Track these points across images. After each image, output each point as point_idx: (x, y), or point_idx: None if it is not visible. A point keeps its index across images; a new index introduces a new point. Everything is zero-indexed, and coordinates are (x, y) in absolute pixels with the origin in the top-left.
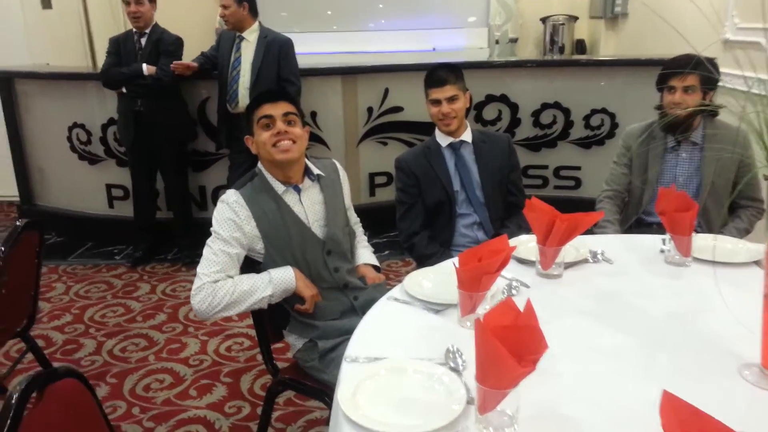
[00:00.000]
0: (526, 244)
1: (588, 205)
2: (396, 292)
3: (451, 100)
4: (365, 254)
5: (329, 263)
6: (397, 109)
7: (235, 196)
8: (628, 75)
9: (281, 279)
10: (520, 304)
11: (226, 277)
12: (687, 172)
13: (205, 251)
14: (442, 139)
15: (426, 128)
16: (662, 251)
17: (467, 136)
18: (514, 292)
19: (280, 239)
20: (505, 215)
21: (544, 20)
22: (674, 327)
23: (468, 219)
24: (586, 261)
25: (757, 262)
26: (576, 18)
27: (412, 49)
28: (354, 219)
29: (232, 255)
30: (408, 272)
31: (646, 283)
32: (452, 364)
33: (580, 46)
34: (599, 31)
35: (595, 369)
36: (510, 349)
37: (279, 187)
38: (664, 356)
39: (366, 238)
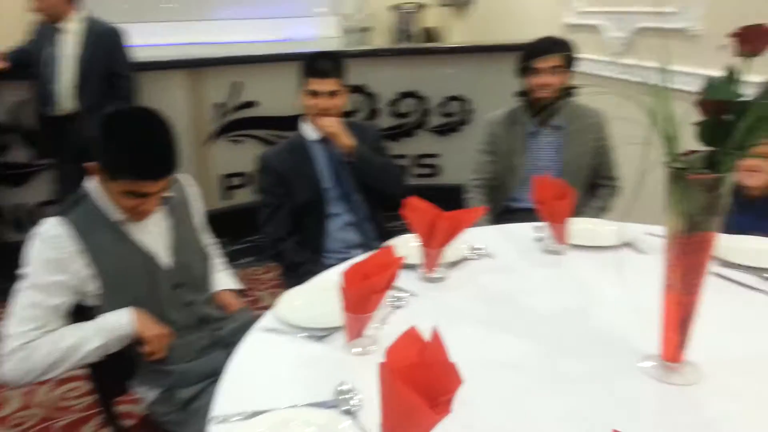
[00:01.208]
0: (404, 246)
1: (449, 191)
2: (268, 320)
3: (333, 94)
4: (223, 279)
5: (180, 298)
6: (252, 104)
7: (58, 227)
8: (480, 61)
9: (114, 325)
10: (408, 315)
11: (44, 333)
12: (550, 155)
13: (15, 304)
14: (311, 133)
15: (285, 123)
16: (538, 240)
17: None
18: (400, 304)
19: (120, 277)
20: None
21: (394, 9)
22: (569, 325)
23: (340, 219)
24: (467, 258)
25: (627, 244)
26: (425, 6)
27: (262, 39)
28: (208, 240)
29: (52, 306)
30: (271, 279)
31: (531, 278)
32: (345, 407)
33: (429, 34)
34: (448, 19)
35: (501, 386)
36: (420, 391)
37: (116, 214)
38: (567, 362)
39: (223, 260)
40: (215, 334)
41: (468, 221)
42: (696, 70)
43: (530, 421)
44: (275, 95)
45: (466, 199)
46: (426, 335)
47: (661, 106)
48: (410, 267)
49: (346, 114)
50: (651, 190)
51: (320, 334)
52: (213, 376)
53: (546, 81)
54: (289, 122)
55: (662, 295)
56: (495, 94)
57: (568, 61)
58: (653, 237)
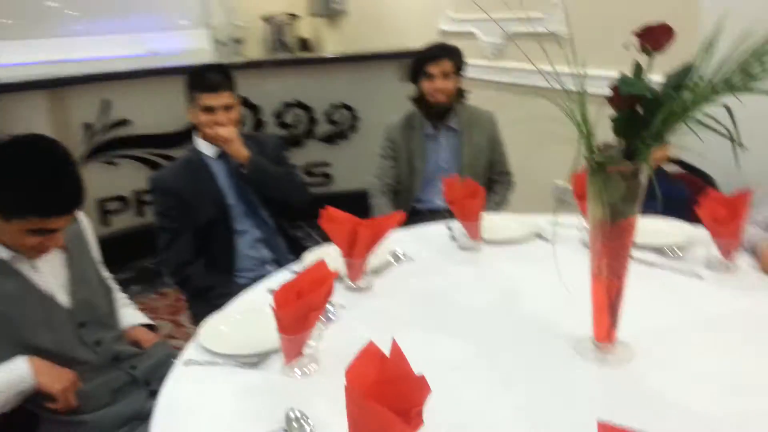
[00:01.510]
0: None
1: (343, 198)
2: (191, 352)
3: (228, 109)
4: (131, 314)
5: (86, 337)
6: (125, 123)
7: None
8: (361, 69)
9: (8, 379)
10: (342, 328)
11: None
12: (448, 157)
13: None
14: (208, 149)
15: (164, 141)
16: (452, 238)
17: None
18: (332, 317)
19: (13, 322)
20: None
21: (266, 19)
22: (501, 319)
23: (249, 236)
24: (389, 264)
25: (537, 235)
26: (297, 16)
27: (126, 54)
28: (106, 274)
29: None
30: (167, 306)
31: (454, 277)
32: None
33: (305, 44)
34: (321, 29)
35: (449, 389)
36: (390, 407)
37: (4, 253)
38: (506, 356)
39: (124, 295)
40: (131, 373)
41: (388, 227)
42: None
43: (485, 419)
44: (150, 112)
45: (371, 204)
46: (379, 348)
47: (579, 107)
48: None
49: None
50: (540, 182)
51: (254, 360)
52: (134, 420)
53: (440, 86)
54: (169, 140)
55: (591, 281)
56: (379, 101)
57: (458, 66)
58: (558, 227)
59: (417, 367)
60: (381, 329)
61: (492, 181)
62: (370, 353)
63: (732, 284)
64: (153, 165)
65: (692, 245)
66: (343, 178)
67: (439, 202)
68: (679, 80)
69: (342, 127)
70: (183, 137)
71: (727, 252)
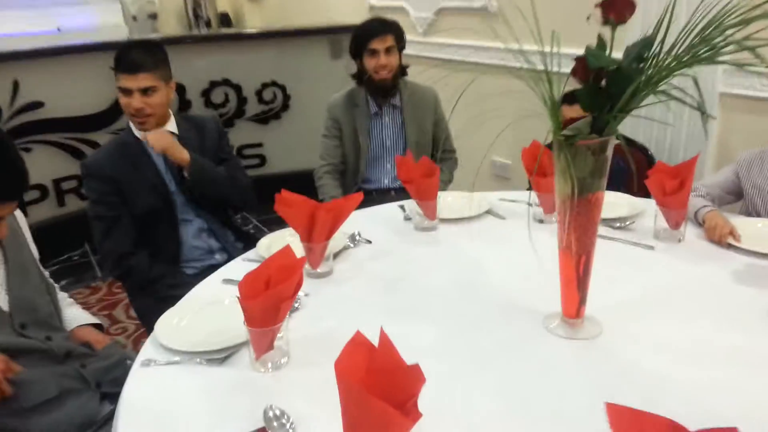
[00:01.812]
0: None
1: (277, 181)
2: (149, 350)
3: (146, 92)
4: (75, 314)
5: (35, 336)
6: (36, 105)
7: None
8: (290, 46)
9: None
10: (308, 317)
11: None
12: (393, 135)
13: None
14: (142, 133)
15: (82, 124)
16: (407, 218)
17: (171, 126)
18: (296, 306)
19: None
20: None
21: None
22: (468, 299)
23: (194, 225)
24: (347, 247)
25: (488, 212)
26: None
27: (32, 31)
28: (45, 272)
29: None
30: (99, 300)
31: (415, 258)
32: None
33: (225, 19)
34: (241, 3)
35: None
36: (386, 400)
37: None
38: (477, 336)
39: (65, 294)
40: (80, 372)
41: (348, 210)
42: (499, 44)
43: (461, 402)
44: (63, 94)
45: (317, 186)
46: (366, 338)
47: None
48: None
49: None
50: (476, 159)
51: (221, 356)
52: (88, 427)
53: (384, 62)
54: (87, 122)
55: (559, 256)
56: (310, 78)
57: (400, 41)
58: (506, 202)
59: None
60: (348, 316)
61: (437, 160)
62: (357, 344)
63: (682, 254)
64: (72, 150)
65: (639, 217)
66: (277, 159)
67: (386, 181)
68: (640, 52)
69: (273, 106)
70: (103, 119)
71: (675, 222)
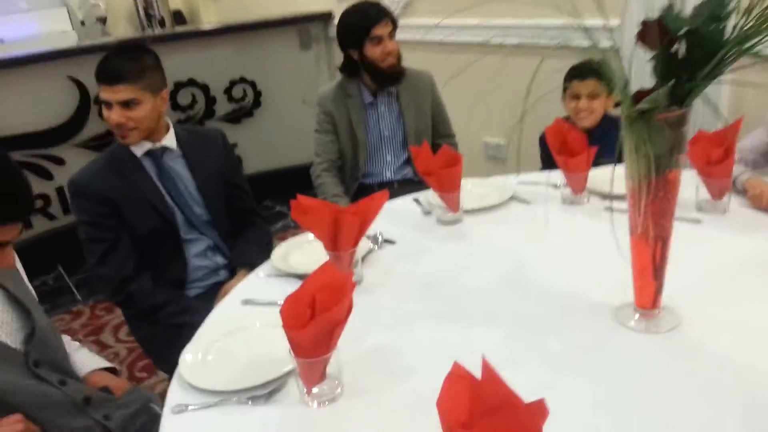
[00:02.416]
0: (295, 253)
1: (256, 181)
2: (178, 394)
3: (127, 105)
4: (85, 357)
5: (44, 376)
6: None
7: None
8: (258, 40)
9: None
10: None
11: None
12: (391, 124)
13: None
14: (136, 147)
15: (41, 139)
16: (426, 213)
17: (169, 140)
18: None
19: None
20: (234, 228)
21: None
22: (518, 295)
23: (199, 245)
24: (370, 251)
25: (513, 198)
26: None
27: None
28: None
29: None
30: (84, 325)
31: (446, 254)
32: None
33: (179, 17)
34: (195, 0)
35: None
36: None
37: None
38: (542, 334)
39: (68, 336)
40: (105, 425)
41: (375, 211)
42: (486, 21)
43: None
44: (17, 108)
45: (316, 185)
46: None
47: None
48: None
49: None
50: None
51: (265, 391)
52: None
53: (391, 48)
54: (49, 137)
55: (631, 243)
56: (281, 72)
57: (395, 24)
58: (526, 185)
59: (443, 365)
60: (392, 329)
61: (438, 146)
62: (457, 378)
63: (731, 226)
64: (37, 169)
65: None
66: (253, 158)
67: (388, 174)
68: (714, 12)
69: (245, 103)
70: (65, 132)
71: (719, 192)
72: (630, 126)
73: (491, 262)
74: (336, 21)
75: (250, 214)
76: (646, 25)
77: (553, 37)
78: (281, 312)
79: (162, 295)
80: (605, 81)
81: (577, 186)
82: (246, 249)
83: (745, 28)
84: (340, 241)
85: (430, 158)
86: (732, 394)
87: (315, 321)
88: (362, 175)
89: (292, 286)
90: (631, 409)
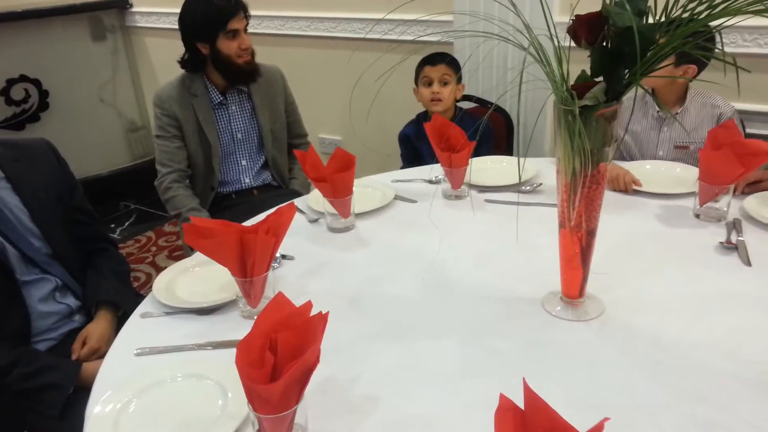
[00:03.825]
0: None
1: None
2: None
3: None
4: None
5: None
6: None
7: None
8: (40, 30)
9: None
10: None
11: None
12: (244, 125)
13: None
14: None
15: None
16: (312, 221)
17: None
18: None
19: None
20: (84, 260)
21: None
22: (444, 298)
23: (43, 287)
24: (272, 271)
25: (396, 197)
26: None
27: None
28: None
29: None
30: None
31: (352, 264)
32: None
33: None
34: None
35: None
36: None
37: None
38: (489, 338)
39: None
40: None
41: (286, 227)
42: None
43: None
44: None
45: (166, 199)
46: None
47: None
48: (225, 308)
49: None
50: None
51: None
52: None
53: (248, 42)
54: None
55: (559, 235)
56: (70, 67)
57: (248, 17)
58: (403, 183)
59: (406, 388)
60: (331, 355)
61: (292, 147)
62: (505, 410)
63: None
64: None
65: (540, 177)
66: None
67: (247, 180)
68: (639, 7)
69: (27, 106)
70: None
71: None
72: (566, 122)
73: (403, 267)
74: (133, 8)
75: (99, 241)
76: (578, 20)
77: (386, 31)
78: (237, 363)
79: (3, 356)
80: (454, 68)
81: (458, 181)
82: (102, 283)
83: (676, 24)
84: (252, 265)
85: (319, 164)
86: (675, 368)
87: (290, 371)
88: (218, 184)
89: (195, 323)
90: (600, 397)
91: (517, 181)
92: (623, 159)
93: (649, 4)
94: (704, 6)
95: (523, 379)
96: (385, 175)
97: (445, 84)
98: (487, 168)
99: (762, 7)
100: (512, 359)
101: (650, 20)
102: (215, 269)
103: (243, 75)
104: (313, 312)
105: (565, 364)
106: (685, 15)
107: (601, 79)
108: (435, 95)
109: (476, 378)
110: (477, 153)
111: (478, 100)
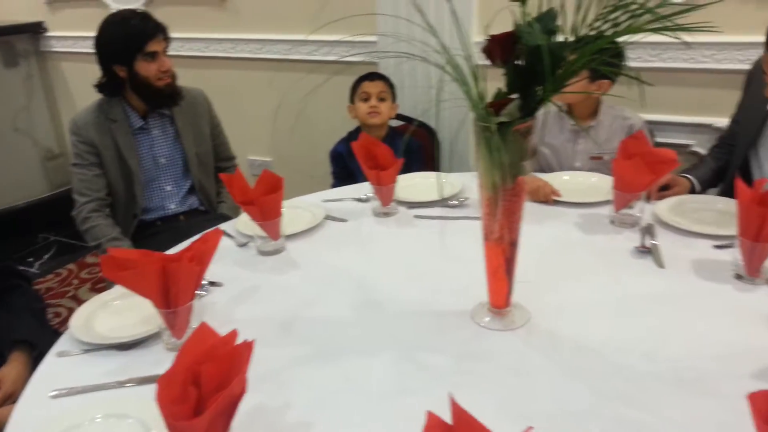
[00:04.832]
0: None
1: None
2: None
3: None
4: None
5: None
6: None
7: None
8: None
9: None
10: None
11: None
12: (167, 150)
13: None
14: None
15: None
16: (241, 245)
17: None
18: None
19: None
20: None
21: None
22: (377, 317)
23: None
24: (198, 298)
25: (326, 217)
26: None
27: None
28: None
29: None
30: None
31: (283, 288)
32: None
33: None
34: None
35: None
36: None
37: None
38: (422, 354)
39: None
40: None
41: (211, 253)
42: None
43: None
44: None
45: (84, 230)
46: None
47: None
48: (142, 342)
49: None
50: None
51: None
52: None
53: (168, 65)
54: None
55: (485, 247)
56: None
57: (169, 40)
58: (333, 203)
59: (340, 412)
60: (262, 381)
61: (220, 169)
62: (433, 428)
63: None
64: None
65: (467, 191)
66: None
67: (172, 206)
68: (548, 25)
69: None
70: None
71: None
72: (485, 138)
73: (334, 287)
74: (48, 32)
75: (10, 277)
76: (492, 40)
77: (310, 52)
78: (158, 400)
79: None
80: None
81: (387, 198)
82: (14, 323)
83: (584, 42)
84: (175, 295)
85: (246, 187)
86: (598, 371)
87: (214, 404)
88: (141, 212)
89: (116, 360)
90: (528, 405)
91: (448, 195)
92: (543, 171)
93: (558, 23)
94: (609, 25)
95: (449, 395)
96: (316, 195)
97: (382, 100)
98: (416, 184)
99: (660, 26)
100: (443, 373)
101: (560, 38)
102: (137, 301)
103: (163, 98)
104: (240, 340)
105: (493, 374)
106: (592, 33)
107: (516, 96)
108: (373, 109)
109: (408, 395)
110: (409, 170)
111: (404, 117)
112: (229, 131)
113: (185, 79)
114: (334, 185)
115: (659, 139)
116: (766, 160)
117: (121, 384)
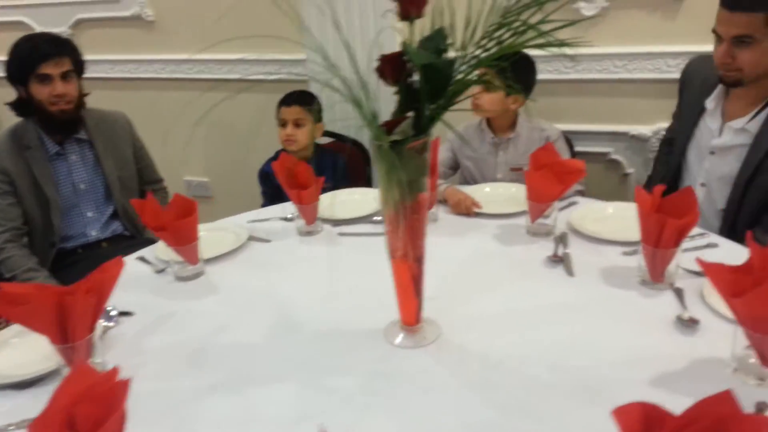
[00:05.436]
0: (8, 355)
1: None
2: None
3: None
4: None
5: None
6: None
7: None
8: None
9: None
10: None
11: None
12: (87, 175)
13: None
14: None
15: None
16: (159, 271)
17: None
18: None
19: None
20: None
21: None
22: (296, 338)
23: None
24: (107, 330)
25: (250, 238)
26: None
27: None
28: None
29: None
30: None
31: (199, 314)
32: None
33: None
34: None
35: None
36: None
37: None
38: (333, 377)
39: None
40: None
41: (111, 284)
42: (157, 56)
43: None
44: None
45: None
46: None
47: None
48: (41, 380)
49: None
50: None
51: None
52: None
53: (62, 90)
54: None
55: (392, 265)
56: None
57: (79, 64)
58: (259, 223)
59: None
60: (167, 416)
61: (144, 193)
62: None
63: (446, 231)
64: None
65: None
66: None
67: (93, 232)
68: (438, 45)
69: None
70: None
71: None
72: (382, 156)
73: (252, 310)
74: None
75: None
76: (383, 60)
77: (240, 71)
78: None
79: None
80: (309, 109)
81: (310, 217)
82: None
83: (471, 61)
84: (73, 329)
85: (159, 212)
86: (503, 385)
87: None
88: (59, 240)
89: (14, 400)
90: (431, 423)
91: (369, 212)
92: (467, 183)
93: (450, 41)
94: (494, 42)
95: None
96: (241, 216)
97: (299, 126)
98: (342, 201)
99: (543, 41)
100: (351, 395)
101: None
102: (37, 337)
103: (57, 124)
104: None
105: (401, 393)
106: (478, 51)
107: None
108: (288, 137)
109: (312, 420)
110: (336, 188)
111: (334, 134)
112: (162, 153)
113: (116, 101)
114: (264, 205)
115: (579, 149)
116: (694, 164)
117: (18, 426)
